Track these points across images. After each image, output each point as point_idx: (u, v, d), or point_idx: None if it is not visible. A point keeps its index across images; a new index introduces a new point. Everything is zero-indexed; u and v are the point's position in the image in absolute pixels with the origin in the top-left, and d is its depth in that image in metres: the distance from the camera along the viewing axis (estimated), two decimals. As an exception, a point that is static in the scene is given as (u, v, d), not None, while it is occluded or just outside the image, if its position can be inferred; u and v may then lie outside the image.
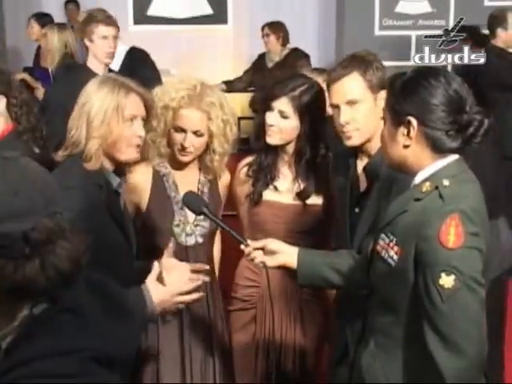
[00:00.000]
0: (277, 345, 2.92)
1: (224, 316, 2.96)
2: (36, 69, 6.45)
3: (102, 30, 4.19)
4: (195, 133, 2.69)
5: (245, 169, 2.94)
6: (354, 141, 2.53)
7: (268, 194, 2.88)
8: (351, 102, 2.49)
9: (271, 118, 2.78)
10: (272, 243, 2.34)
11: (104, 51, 4.20)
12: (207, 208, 2.43)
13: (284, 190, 2.88)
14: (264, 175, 2.87)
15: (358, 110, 2.49)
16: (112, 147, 2.32)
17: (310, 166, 2.85)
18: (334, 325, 2.87)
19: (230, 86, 6.70)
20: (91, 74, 3.67)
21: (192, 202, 2.48)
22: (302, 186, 2.86)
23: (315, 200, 2.88)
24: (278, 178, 2.88)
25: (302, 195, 2.86)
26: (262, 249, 2.34)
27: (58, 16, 7.98)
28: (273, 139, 2.80)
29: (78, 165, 2.29)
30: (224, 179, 2.93)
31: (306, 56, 6.48)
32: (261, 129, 2.84)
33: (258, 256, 2.33)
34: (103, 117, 2.29)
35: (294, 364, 2.95)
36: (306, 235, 2.82)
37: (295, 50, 6.68)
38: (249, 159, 2.96)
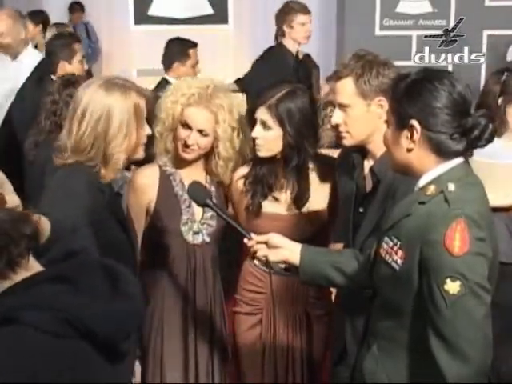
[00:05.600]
0: (283, 348, 2.91)
1: (226, 316, 2.97)
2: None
3: (300, 18, 5.18)
4: (200, 132, 2.70)
5: (241, 181, 2.88)
6: (345, 142, 2.55)
7: (267, 206, 2.83)
8: (341, 105, 2.51)
9: (255, 130, 2.71)
10: (275, 238, 2.34)
11: (302, 35, 5.22)
12: (211, 200, 2.43)
13: (282, 200, 2.83)
14: (261, 187, 2.81)
15: (349, 114, 2.50)
16: (132, 152, 2.35)
17: (300, 172, 2.78)
18: (334, 324, 2.86)
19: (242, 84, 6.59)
20: (288, 53, 5.17)
21: (196, 192, 2.48)
22: (295, 195, 2.81)
23: (314, 206, 2.83)
24: (275, 188, 2.82)
25: (296, 203, 2.81)
26: (266, 243, 2.33)
27: (59, 15, 7.98)
28: (260, 152, 2.73)
29: (84, 172, 2.30)
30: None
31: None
32: (253, 141, 2.79)
33: (261, 250, 2.33)
34: (125, 132, 2.28)
35: (301, 367, 2.93)
36: (308, 242, 2.79)
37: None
38: (244, 171, 2.89)
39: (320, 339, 2.94)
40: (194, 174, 2.82)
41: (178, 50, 4.86)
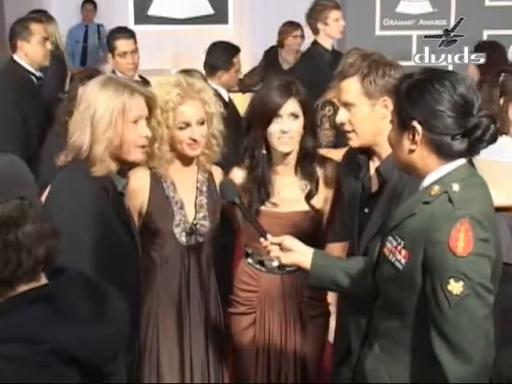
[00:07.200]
0: (277, 347, 2.91)
1: (221, 316, 2.97)
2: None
3: (334, 13, 5.31)
4: (200, 123, 2.73)
5: (239, 180, 2.87)
6: (352, 143, 2.56)
7: (266, 204, 2.85)
8: (346, 104, 2.51)
9: (284, 124, 2.74)
10: (288, 240, 2.36)
11: (337, 30, 5.39)
12: (239, 198, 2.49)
13: (283, 199, 2.85)
14: (257, 189, 2.82)
15: (353, 114, 2.50)
16: (119, 149, 2.34)
17: (313, 162, 2.85)
18: (337, 324, 2.86)
19: (242, 86, 6.58)
20: (324, 50, 5.28)
21: (226, 189, 2.54)
22: (308, 186, 2.84)
23: (315, 206, 2.85)
24: (273, 192, 2.83)
25: (308, 196, 2.84)
26: (279, 244, 2.35)
27: (59, 14, 7.98)
28: (289, 146, 2.77)
29: (84, 170, 2.30)
30: (217, 176, 2.92)
31: None
32: (258, 143, 2.80)
33: (274, 251, 2.35)
34: (109, 120, 2.29)
35: (294, 366, 2.93)
36: (307, 239, 2.79)
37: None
38: (239, 171, 2.90)
39: (314, 340, 2.94)
40: (186, 174, 2.84)
41: (222, 59, 4.74)
